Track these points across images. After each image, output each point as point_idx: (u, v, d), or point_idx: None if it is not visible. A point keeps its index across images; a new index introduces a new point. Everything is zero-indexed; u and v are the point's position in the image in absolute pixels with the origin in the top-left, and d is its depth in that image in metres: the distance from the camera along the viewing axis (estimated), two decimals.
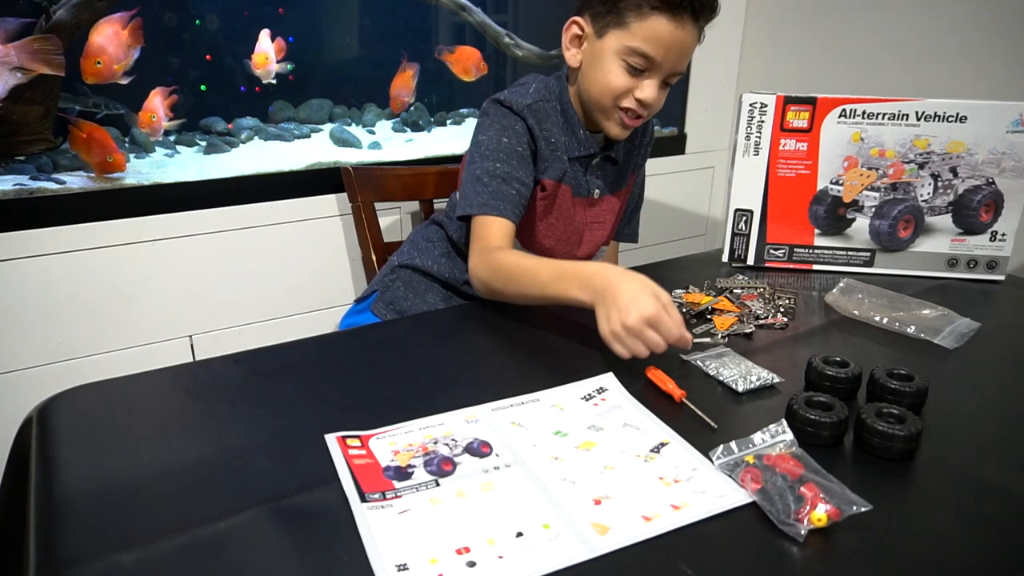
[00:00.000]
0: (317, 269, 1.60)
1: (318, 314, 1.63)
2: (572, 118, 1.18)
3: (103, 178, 1.39)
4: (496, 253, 1.07)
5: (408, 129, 1.84)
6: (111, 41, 1.33)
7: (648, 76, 1.10)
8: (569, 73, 1.19)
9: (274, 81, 1.58)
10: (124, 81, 1.38)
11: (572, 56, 1.15)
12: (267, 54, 1.54)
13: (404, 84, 1.76)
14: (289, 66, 1.61)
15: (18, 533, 0.65)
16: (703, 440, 0.74)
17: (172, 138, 1.57)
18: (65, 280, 1.33)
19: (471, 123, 1.95)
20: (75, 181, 1.36)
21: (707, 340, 0.98)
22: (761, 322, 1.04)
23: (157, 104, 1.45)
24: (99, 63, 1.33)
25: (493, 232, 1.09)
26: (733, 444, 0.71)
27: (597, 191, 1.24)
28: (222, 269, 1.48)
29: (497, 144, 1.14)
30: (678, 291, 1.13)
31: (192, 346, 1.50)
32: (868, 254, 1.27)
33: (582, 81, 1.16)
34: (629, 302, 0.86)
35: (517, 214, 1.12)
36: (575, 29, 1.14)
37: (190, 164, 1.51)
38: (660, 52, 1.07)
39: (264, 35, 1.55)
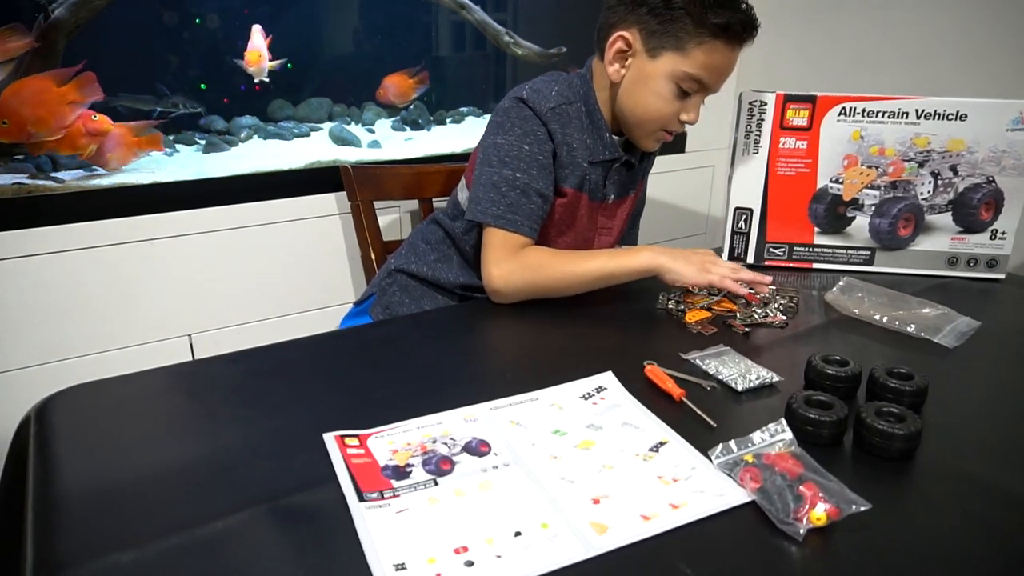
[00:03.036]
0: (316, 268, 1.60)
1: (317, 313, 1.63)
2: (599, 121, 1.15)
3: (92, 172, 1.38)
4: (526, 253, 1.08)
5: (408, 128, 1.84)
6: (28, 102, 1.25)
7: (694, 97, 1.10)
8: (596, 77, 1.16)
9: (267, 79, 1.57)
10: (56, 136, 1.31)
11: (615, 71, 1.11)
12: (259, 51, 1.52)
13: (400, 83, 1.76)
14: (289, 64, 1.61)
15: (16, 533, 0.64)
16: (702, 439, 0.74)
17: (172, 137, 1.57)
18: (64, 279, 1.33)
19: (471, 121, 1.94)
20: (74, 180, 1.36)
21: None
22: (760, 321, 1.04)
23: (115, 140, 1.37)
24: (5, 123, 1.24)
25: (511, 243, 1.08)
26: (732, 443, 0.71)
27: (612, 196, 1.22)
28: (221, 268, 1.48)
29: (518, 151, 1.10)
30: (677, 289, 1.13)
31: (191, 345, 1.50)
32: (868, 253, 1.27)
33: (624, 97, 1.13)
34: (692, 251, 1.08)
35: (535, 229, 1.11)
36: (621, 44, 1.10)
37: (189, 163, 1.51)
38: (714, 78, 1.08)
39: (256, 31, 1.53)
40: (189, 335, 1.49)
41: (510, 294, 1.08)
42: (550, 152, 1.12)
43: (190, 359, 1.46)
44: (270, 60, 1.56)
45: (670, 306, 1.08)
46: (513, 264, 1.07)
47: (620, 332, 1.03)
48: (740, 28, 1.05)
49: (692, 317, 1.04)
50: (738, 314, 1.05)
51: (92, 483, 0.65)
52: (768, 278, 1.07)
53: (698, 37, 1.04)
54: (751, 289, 1.07)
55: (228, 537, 0.59)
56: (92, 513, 0.61)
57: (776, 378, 0.86)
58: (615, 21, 1.10)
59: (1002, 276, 1.26)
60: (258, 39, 1.53)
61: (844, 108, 1.20)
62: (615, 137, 1.17)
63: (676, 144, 2.11)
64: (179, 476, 0.67)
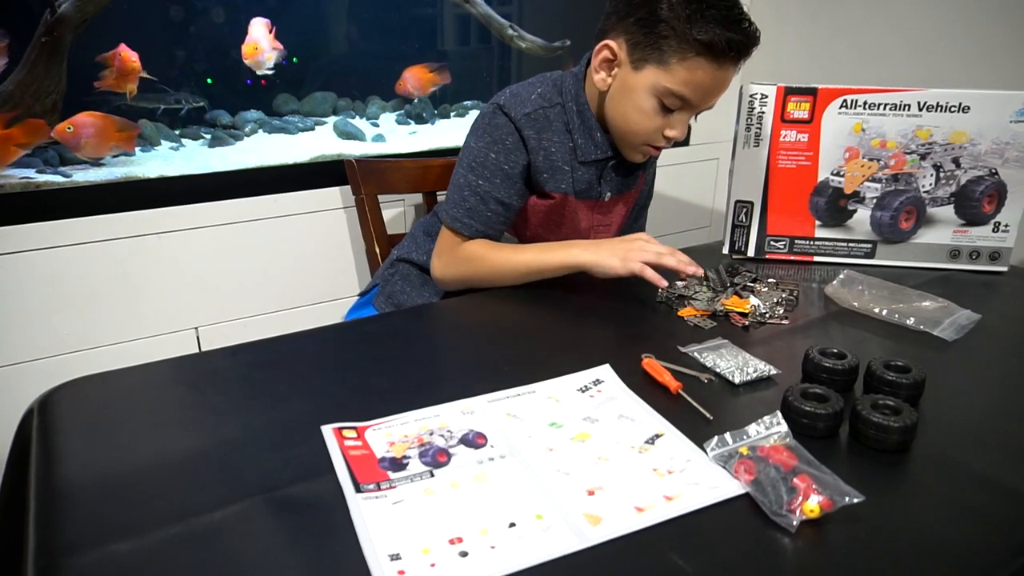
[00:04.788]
0: (322, 261, 1.61)
1: (323, 306, 1.64)
2: (589, 121, 1.15)
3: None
4: (465, 246, 1.14)
5: (412, 121, 1.84)
6: None
7: (680, 112, 1.08)
8: (589, 77, 1.15)
9: (270, 72, 1.57)
10: None
11: (601, 80, 1.11)
12: (257, 44, 1.51)
13: (420, 75, 1.77)
14: (295, 59, 1.61)
15: (19, 522, 0.66)
16: (698, 432, 0.74)
17: (177, 132, 1.58)
18: (72, 272, 1.34)
19: (475, 116, 1.94)
20: (81, 174, 1.37)
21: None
22: (760, 319, 1.03)
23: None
24: None
25: (458, 242, 1.15)
26: (727, 435, 0.71)
27: (608, 194, 1.22)
28: (227, 262, 1.49)
29: (484, 158, 1.13)
30: (679, 283, 1.13)
31: (198, 338, 1.51)
32: (869, 246, 1.27)
33: (609, 108, 1.12)
34: (625, 238, 1.09)
35: (488, 235, 1.15)
36: (606, 53, 1.09)
37: (195, 157, 1.52)
38: (699, 96, 1.06)
39: (255, 24, 1.52)
40: (196, 328, 1.50)
41: (449, 282, 1.18)
42: (519, 162, 1.13)
43: (196, 352, 1.48)
44: (272, 51, 1.55)
45: (668, 299, 1.08)
46: (450, 257, 1.16)
47: (618, 325, 1.03)
48: (726, 47, 1.00)
49: (690, 311, 1.05)
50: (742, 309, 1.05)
51: (92, 474, 0.66)
52: (692, 268, 1.04)
53: (681, 53, 1.01)
54: (682, 282, 1.09)
55: (226, 527, 0.60)
56: (92, 503, 0.62)
57: (773, 371, 0.86)
58: (607, 29, 1.10)
59: (1005, 269, 1.25)
60: (257, 31, 1.53)
61: (845, 100, 1.19)
62: (608, 135, 1.16)
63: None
64: (178, 467, 0.68)
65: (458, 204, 1.14)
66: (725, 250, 1.30)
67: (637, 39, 1.05)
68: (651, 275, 1.03)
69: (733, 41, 1.01)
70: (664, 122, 1.09)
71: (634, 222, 1.39)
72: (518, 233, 1.25)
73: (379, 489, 0.65)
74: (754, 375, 0.86)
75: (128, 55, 1.39)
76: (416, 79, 1.77)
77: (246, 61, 1.53)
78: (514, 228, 1.25)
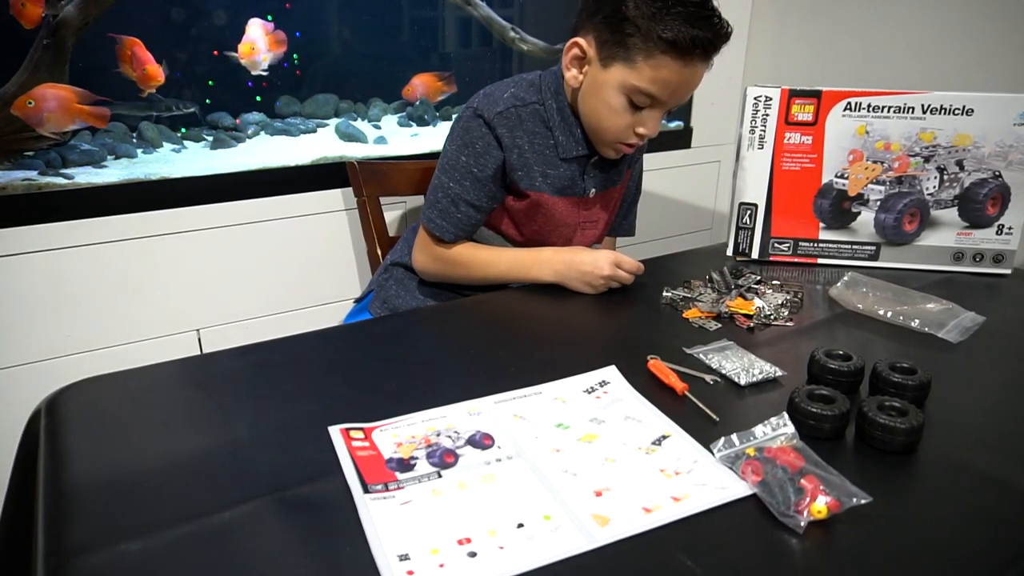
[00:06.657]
0: (323, 263, 1.61)
1: (324, 308, 1.64)
2: (569, 117, 1.15)
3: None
4: (441, 247, 1.19)
5: (413, 124, 1.84)
6: None
7: (651, 110, 1.08)
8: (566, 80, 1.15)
9: (265, 72, 1.56)
10: None
11: (572, 77, 1.12)
12: (253, 44, 1.51)
13: (429, 83, 1.78)
14: (296, 59, 1.61)
15: (27, 522, 0.65)
16: (705, 433, 0.74)
17: (179, 134, 1.58)
18: (74, 274, 1.34)
19: None
20: (83, 176, 1.37)
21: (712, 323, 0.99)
22: (765, 321, 1.04)
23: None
24: None
25: (434, 239, 1.20)
26: (734, 436, 0.71)
27: (593, 190, 1.23)
28: (229, 263, 1.49)
29: (455, 161, 1.15)
30: (690, 282, 1.13)
31: (200, 340, 1.51)
32: (873, 248, 1.27)
33: (581, 104, 1.13)
34: (594, 262, 1.10)
35: (458, 235, 1.18)
36: (576, 50, 1.09)
37: (197, 159, 1.52)
38: (667, 93, 1.06)
39: (252, 24, 1.52)
40: (197, 330, 1.50)
41: (428, 276, 1.25)
42: (491, 164, 1.14)
43: (198, 353, 1.47)
44: (268, 52, 1.54)
45: (673, 301, 1.08)
46: (430, 255, 1.21)
47: (624, 326, 1.04)
48: (691, 44, 1.00)
49: (695, 312, 1.05)
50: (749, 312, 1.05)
51: (101, 474, 0.66)
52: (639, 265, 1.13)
53: (646, 51, 1.02)
54: None
55: (235, 527, 0.60)
56: (101, 503, 0.62)
57: (779, 372, 0.87)
58: (577, 26, 1.10)
59: (1008, 271, 1.25)
60: (254, 32, 1.53)
61: (849, 103, 1.20)
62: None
63: (682, 140, 2.11)
64: (187, 467, 0.68)
65: (432, 206, 1.18)
66: (729, 252, 1.30)
67: (604, 37, 1.05)
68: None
69: (698, 39, 1.00)
70: (635, 119, 1.09)
71: (623, 219, 1.39)
72: (501, 231, 1.25)
73: (387, 490, 0.65)
74: (760, 376, 0.86)
75: (154, 70, 1.39)
76: (425, 86, 1.79)
77: (242, 61, 1.53)
78: (496, 227, 1.25)
